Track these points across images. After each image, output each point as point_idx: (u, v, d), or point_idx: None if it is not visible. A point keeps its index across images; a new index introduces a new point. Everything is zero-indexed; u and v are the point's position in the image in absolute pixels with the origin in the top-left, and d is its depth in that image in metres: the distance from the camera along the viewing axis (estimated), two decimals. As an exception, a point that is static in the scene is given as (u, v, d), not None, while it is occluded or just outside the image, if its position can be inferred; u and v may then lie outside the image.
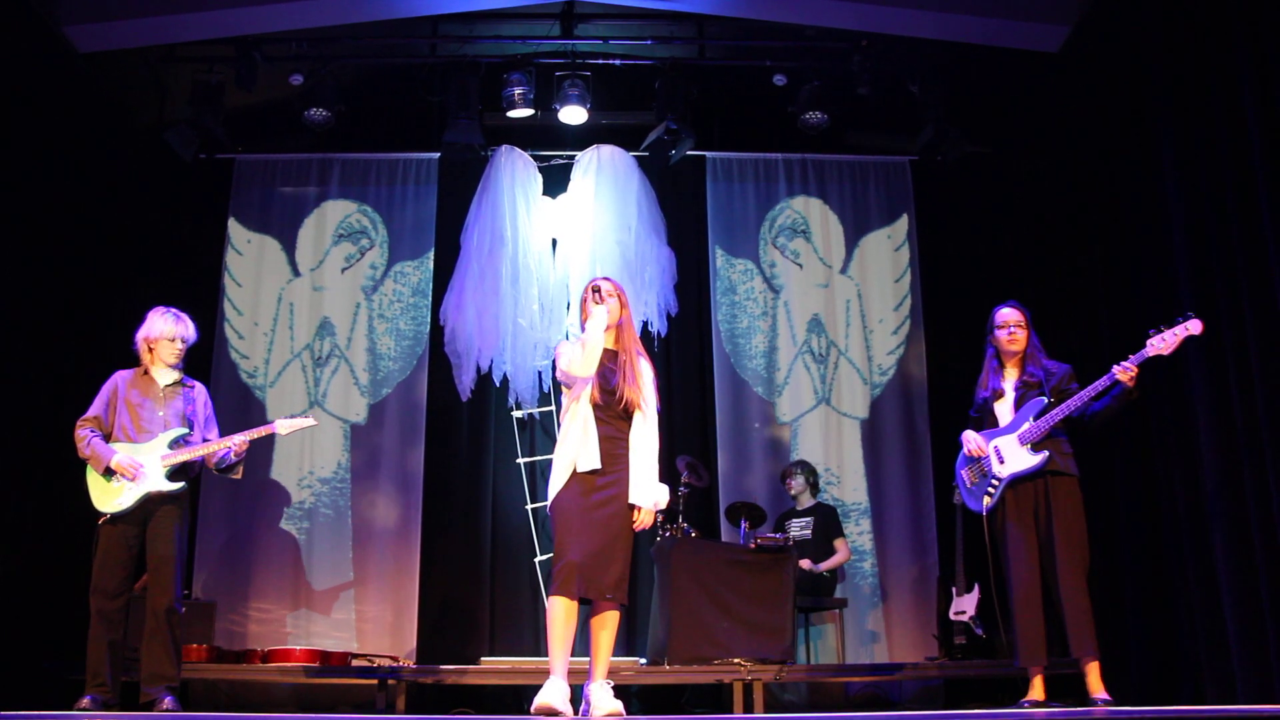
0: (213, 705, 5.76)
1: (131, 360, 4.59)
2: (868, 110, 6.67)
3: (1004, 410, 4.33)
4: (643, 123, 6.60)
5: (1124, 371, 4.00)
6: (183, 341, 4.50)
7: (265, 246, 6.90)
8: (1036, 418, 4.19)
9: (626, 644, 6.18)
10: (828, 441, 6.70)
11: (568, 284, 6.69)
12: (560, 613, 3.60)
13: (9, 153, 5.26)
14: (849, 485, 6.65)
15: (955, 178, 6.75)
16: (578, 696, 3.71)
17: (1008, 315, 4.38)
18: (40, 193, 5.55)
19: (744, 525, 5.94)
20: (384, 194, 7.01)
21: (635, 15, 6.25)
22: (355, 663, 5.59)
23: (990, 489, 4.27)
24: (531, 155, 6.91)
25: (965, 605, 5.60)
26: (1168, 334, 4.00)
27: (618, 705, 3.62)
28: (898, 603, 6.45)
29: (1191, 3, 4.82)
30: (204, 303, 6.24)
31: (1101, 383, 4.06)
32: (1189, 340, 4.04)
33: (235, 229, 6.90)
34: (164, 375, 4.49)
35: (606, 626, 3.71)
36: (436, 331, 6.71)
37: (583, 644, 3.82)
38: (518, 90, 6.34)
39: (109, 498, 4.29)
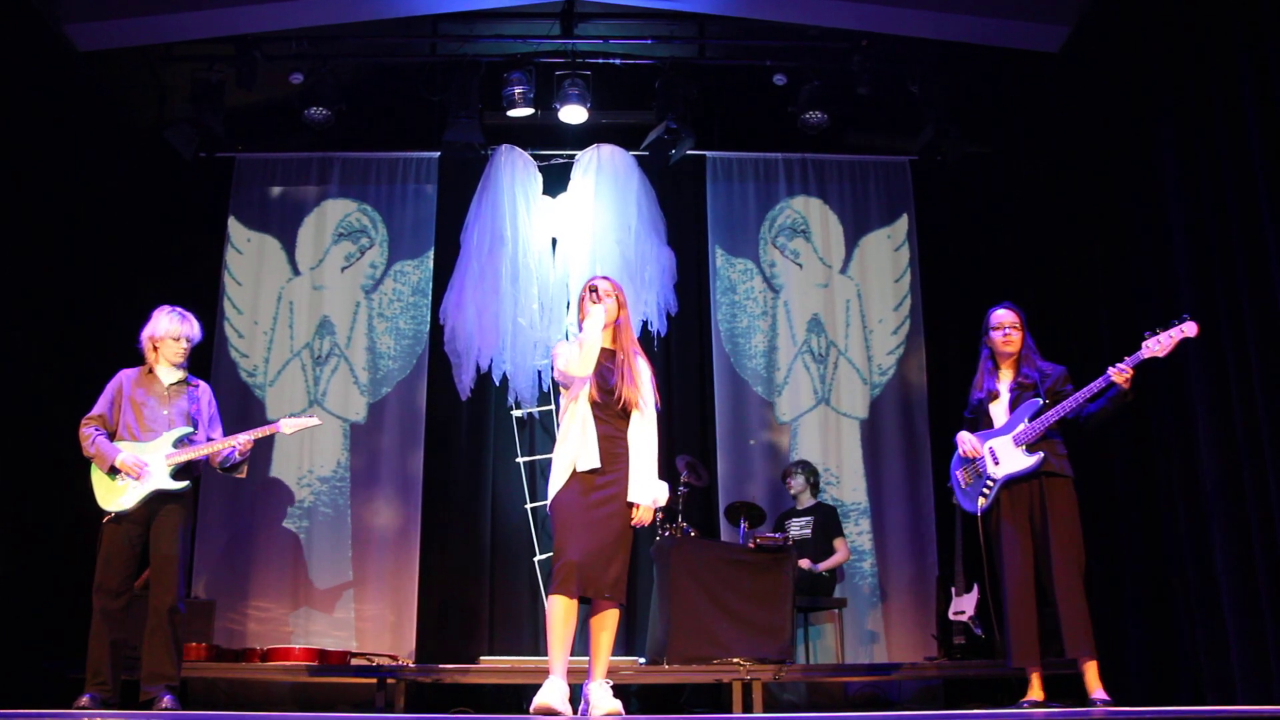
0: (212, 704, 5.76)
1: (131, 359, 4.59)
2: (868, 110, 6.67)
3: (999, 411, 4.34)
4: (643, 122, 6.60)
5: (1119, 373, 4.01)
6: (187, 340, 4.50)
7: (265, 245, 6.90)
8: (1032, 419, 4.19)
9: (626, 643, 6.18)
10: (827, 441, 6.70)
11: (567, 283, 6.69)
12: (560, 612, 3.60)
13: (9, 151, 5.25)
14: (848, 485, 6.65)
15: (955, 178, 6.76)
16: (577, 696, 3.71)
17: (1003, 316, 4.39)
18: (40, 191, 5.55)
19: (743, 525, 5.95)
20: (384, 193, 7.01)
21: (635, 15, 6.25)
22: (354, 662, 5.59)
23: (985, 490, 4.28)
24: (531, 154, 6.91)
25: (964, 605, 5.60)
26: (1163, 336, 4.01)
27: (617, 705, 3.62)
28: (897, 603, 6.45)
29: (1191, 3, 4.82)
30: (204, 301, 6.23)
31: (1096, 384, 4.06)
32: (1188, 341, 4.05)
33: (235, 228, 6.90)
34: (168, 374, 4.49)
35: (606, 626, 3.72)
36: (436, 330, 6.71)
37: (582, 643, 3.81)
38: (518, 89, 6.34)
39: (113, 496, 4.29)
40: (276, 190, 7.00)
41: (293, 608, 6.30)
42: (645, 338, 6.64)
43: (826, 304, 6.93)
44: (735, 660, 5.03)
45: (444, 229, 6.88)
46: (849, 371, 6.83)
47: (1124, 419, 4.70)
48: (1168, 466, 4.97)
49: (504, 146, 6.86)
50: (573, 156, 6.94)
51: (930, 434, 6.63)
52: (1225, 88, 4.53)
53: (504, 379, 6.63)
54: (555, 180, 6.95)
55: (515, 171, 6.83)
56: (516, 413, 6.66)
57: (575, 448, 3.72)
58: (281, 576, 6.35)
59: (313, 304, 6.81)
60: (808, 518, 6.16)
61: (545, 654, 3.73)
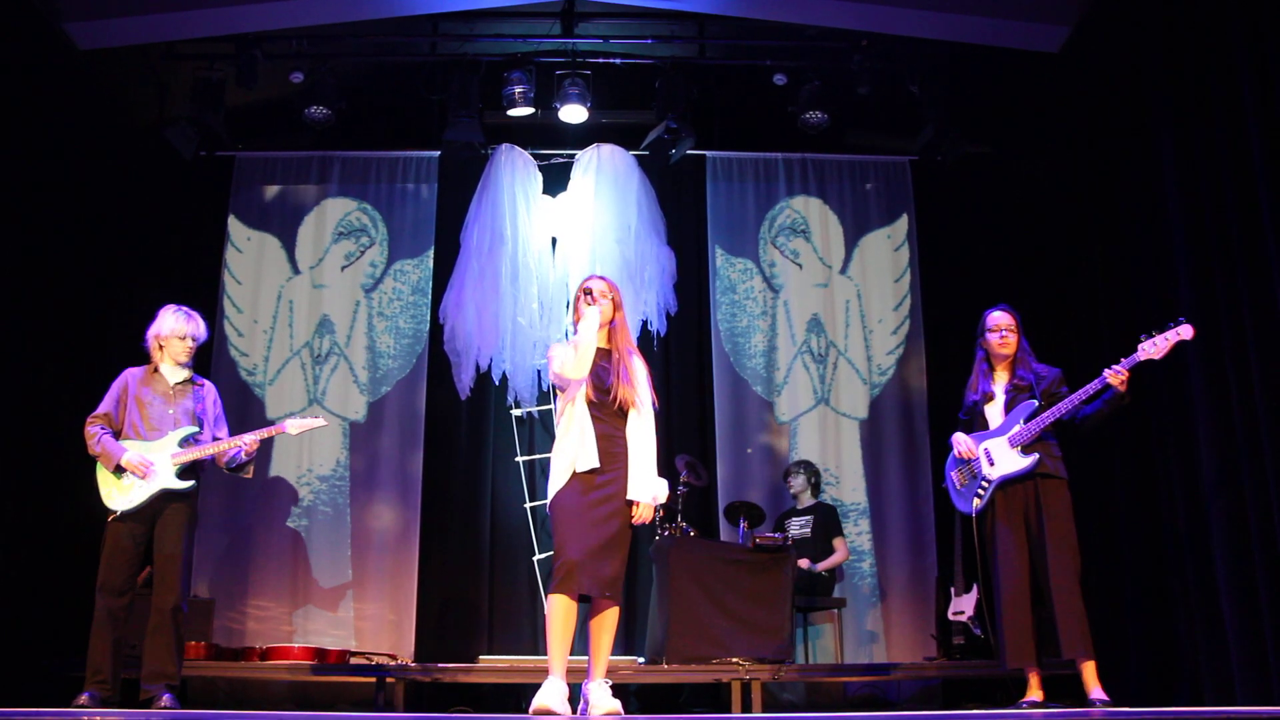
0: (211, 703, 5.76)
1: (130, 357, 4.59)
2: (868, 110, 6.67)
3: (994, 413, 4.34)
4: (643, 122, 6.60)
5: (1114, 375, 4.01)
6: (193, 340, 4.50)
7: (265, 244, 6.90)
8: (1027, 420, 4.20)
9: (625, 643, 6.17)
10: (826, 442, 6.70)
11: (567, 283, 6.68)
12: (560, 611, 3.60)
13: (9, 150, 5.25)
14: (848, 485, 6.65)
15: (955, 178, 6.75)
16: (576, 695, 3.71)
17: (999, 319, 4.39)
18: (40, 190, 5.54)
19: (743, 525, 5.95)
20: (384, 192, 7.01)
21: (636, 14, 6.25)
22: (354, 661, 5.59)
23: (980, 491, 4.28)
24: (531, 154, 6.91)
25: (963, 605, 5.60)
26: (1159, 339, 4.01)
27: (616, 704, 3.62)
28: (896, 603, 6.45)
29: (1191, 3, 4.82)
30: (204, 300, 6.23)
31: (1092, 386, 4.07)
32: (1187, 342, 4.05)
33: (235, 226, 6.90)
34: (174, 373, 4.50)
35: (605, 625, 3.72)
36: (436, 330, 6.71)
37: (581, 643, 3.81)
38: (518, 89, 6.34)
39: (119, 495, 4.29)
40: (276, 189, 7.00)
41: (292, 607, 6.30)
42: (645, 337, 6.65)
43: (826, 304, 6.93)
44: (734, 660, 5.03)
45: (444, 228, 6.88)
46: (849, 372, 6.83)
47: (1121, 421, 4.70)
48: (1167, 466, 4.97)
49: (504, 146, 6.86)
50: (573, 156, 6.94)
51: (930, 434, 6.63)
52: (1225, 88, 4.53)
53: (503, 378, 6.64)
54: (555, 180, 6.95)
55: (515, 171, 6.83)
56: (516, 412, 6.66)
57: (574, 448, 3.72)
58: (281, 575, 6.35)
59: (312, 303, 6.81)
60: (807, 517, 6.16)
61: (544, 653, 3.73)
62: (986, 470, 4.27)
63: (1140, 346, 4.02)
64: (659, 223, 6.84)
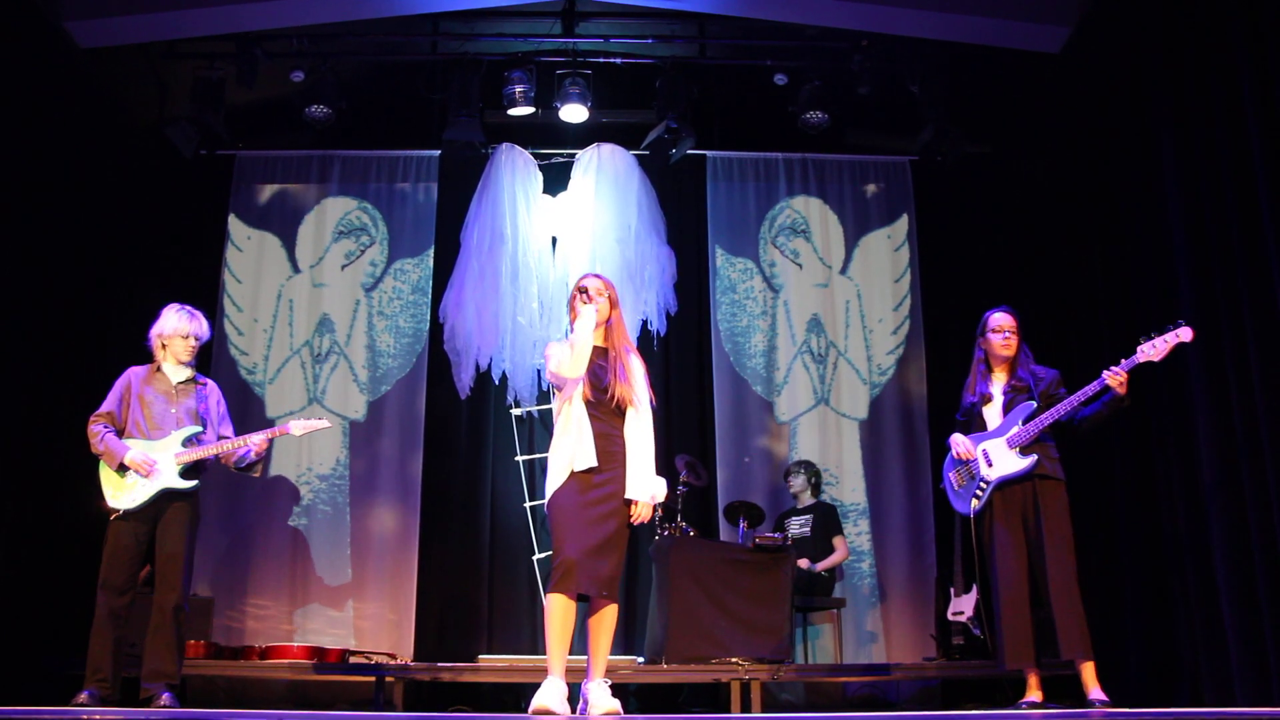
0: (210, 702, 5.76)
1: (131, 355, 4.58)
2: (868, 110, 6.67)
3: (992, 414, 4.34)
4: (643, 121, 6.60)
5: (1113, 376, 4.01)
6: (196, 339, 4.50)
7: (265, 243, 6.90)
8: (1025, 422, 4.20)
9: (624, 643, 6.17)
10: (826, 442, 6.70)
11: (567, 282, 6.68)
12: (559, 610, 3.59)
13: (8, 148, 5.25)
14: (847, 486, 6.65)
15: (955, 178, 6.75)
16: (576, 695, 3.71)
17: (1001, 320, 4.38)
18: (40, 189, 5.54)
19: (742, 524, 5.95)
20: (384, 191, 7.01)
21: (636, 14, 6.25)
22: (353, 660, 5.59)
23: (978, 492, 4.28)
24: (532, 153, 6.91)
25: (963, 606, 5.59)
26: (1158, 341, 4.01)
27: (615, 704, 3.61)
28: (896, 603, 6.45)
29: (1191, 3, 4.82)
30: (204, 299, 6.21)
31: (1091, 388, 4.06)
32: (1186, 344, 4.04)
33: (235, 225, 6.90)
34: (176, 372, 4.50)
35: (604, 624, 3.71)
36: (436, 329, 6.71)
37: (580, 642, 3.81)
38: (519, 88, 6.34)
39: (122, 493, 4.29)
40: (277, 188, 7.00)
41: (292, 606, 6.30)
42: (645, 337, 6.65)
43: (826, 304, 6.93)
44: (734, 660, 5.03)
45: (444, 227, 6.88)
46: (848, 372, 6.83)
47: (1120, 422, 4.69)
48: (1167, 466, 4.97)
49: (504, 145, 6.86)
50: (573, 155, 6.94)
51: (930, 435, 6.63)
52: (1225, 88, 4.53)
53: (503, 377, 6.64)
54: (555, 179, 6.95)
55: (515, 170, 6.83)
56: (516, 411, 6.66)
57: (571, 447, 3.72)
58: (280, 574, 6.35)
59: (312, 302, 6.81)
60: (807, 516, 6.16)
61: (544, 653, 3.73)
62: (985, 471, 4.27)
63: (1139, 348, 4.02)
64: (659, 222, 6.84)
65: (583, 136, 6.88)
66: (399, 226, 6.96)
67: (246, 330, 6.76)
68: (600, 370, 3.80)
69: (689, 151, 6.65)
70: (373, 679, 5.26)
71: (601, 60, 6.56)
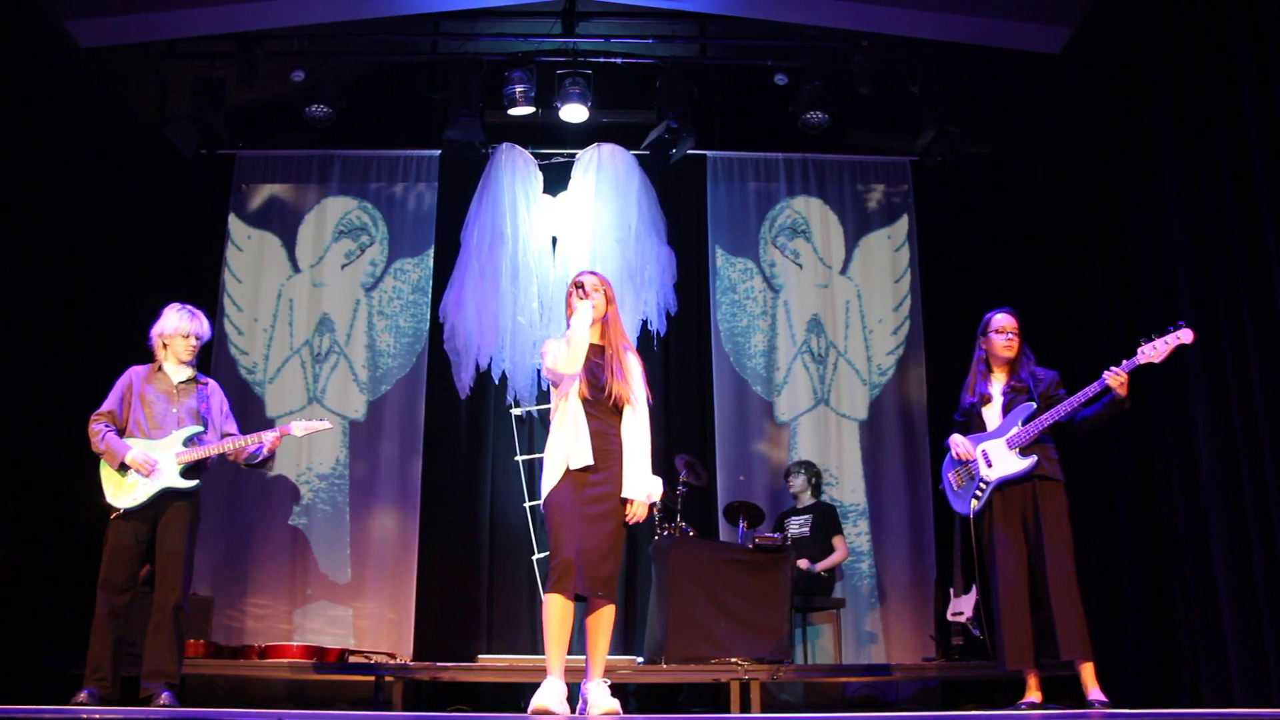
0: (209, 701, 5.76)
1: (131, 355, 4.58)
2: (868, 110, 6.67)
3: (991, 415, 4.33)
4: (644, 121, 6.60)
5: (1114, 376, 4.00)
6: (196, 338, 4.50)
7: (265, 242, 6.90)
8: (1025, 423, 4.19)
9: (624, 643, 6.18)
10: (826, 442, 6.70)
11: (567, 282, 6.67)
12: (556, 611, 3.59)
13: (8, 147, 5.25)
14: (847, 486, 6.65)
15: (956, 178, 6.75)
16: (575, 695, 3.71)
17: (1004, 321, 4.38)
18: (40, 188, 5.54)
19: (742, 524, 5.95)
20: (384, 191, 7.02)
21: (637, 14, 6.25)
22: (352, 659, 5.59)
23: (978, 492, 4.27)
24: (532, 153, 6.92)
25: (963, 606, 5.59)
26: (1159, 342, 4.00)
27: (615, 704, 3.61)
28: (896, 604, 6.45)
29: (1191, 3, 4.82)
30: (204, 298, 6.20)
31: (1091, 389, 4.06)
32: (1186, 345, 4.04)
33: (235, 225, 6.90)
34: (177, 372, 4.50)
35: (602, 624, 3.70)
36: (436, 329, 6.72)
37: (579, 642, 3.81)
38: (519, 88, 6.34)
39: (122, 493, 4.28)
40: (277, 187, 7.01)
41: (291, 605, 6.30)
42: (645, 337, 6.65)
43: (826, 304, 6.93)
44: (733, 660, 5.03)
45: (444, 227, 6.88)
46: (848, 372, 6.83)
47: (1120, 422, 4.69)
48: (1166, 467, 4.96)
49: (504, 145, 6.86)
50: (573, 155, 6.95)
51: (929, 435, 6.63)
52: (1225, 88, 4.53)
53: (503, 377, 6.64)
54: (556, 179, 6.95)
55: (516, 170, 6.83)
56: (515, 411, 6.66)
57: (567, 445, 3.71)
58: (280, 574, 6.35)
59: (312, 301, 6.82)
60: (806, 516, 6.15)
61: (543, 653, 3.72)
62: (985, 472, 4.26)
63: (1140, 350, 4.01)
64: (659, 222, 6.84)
65: (583, 136, 6.88)
66: (399, 226, 6.96)
67: (246, 330, 6.77)
68: (597, 368, 3.79)
69: (689, 151, 6.65)
70: (372, 679, 5.26)
71: (602, 60, 6.56)
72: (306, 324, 6.77)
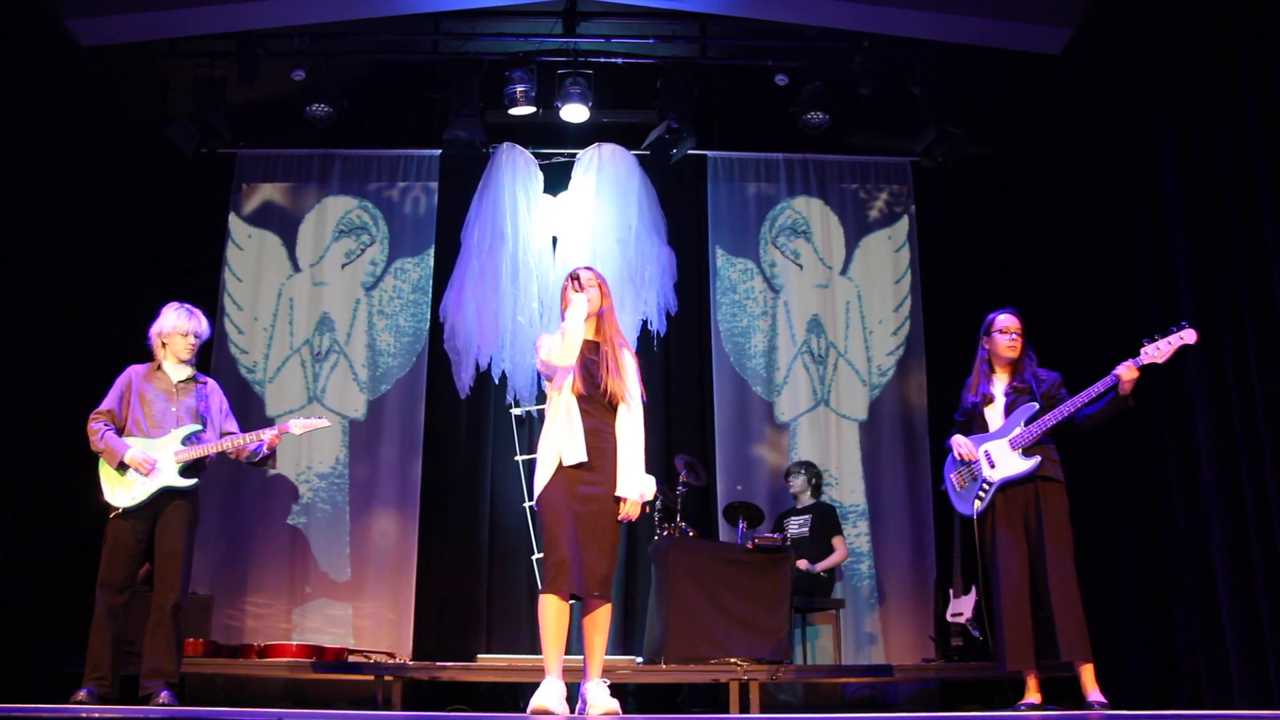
0: (209, 700, 5.76)
1: (131, 354, 4.58)
2: (869, 111, 6.67)
3: (994, 415, 4.33)
4: (644, 121, 6.59)
5: (1127, 370, 3.99)
6: (196, 337, 4.50)
7: (265, 242, 6.90)
8: (1028, 423, 4.19)
9: (623, 643, 6.18)
10: (826, 443, 6.70)
11: (567, 282, 6.68)
12: (552, 611, 3.58)
13: (9, 146, 5.26)
14: (847, 487, 6.64)
15: (956, 179, 6.75)
16: (574, 695, 3.70)
17: (1008, 321, 4.37)
18: (40, 187, 5.55)
19: (742, 525, 5.94)
20: (385, 190, 7.02)
21: (637, 14, 6.25)
22: (352, 659, 5.58)
23: (981, 493, 4.27)
24: (533, 153, 6.91)
25: (962, 607, 5.59)
26: (1162, 343, 4.00)
27: (614, 704, 3.60)
28: (895, 604, 6.44)
29: (1192, 4, 4.82)
30: (204, 297, 6.21)
31: (1097, 387, 4.06)
32: (1188, 345, 4.04)
33: (236, 224, 6.90)
34: (177, 371, 4.49)
35: (599, 623, 3.69)
36: (436, 328, 6.71)
37: (577, 642, 3.81)
38: (519, 88, 6.34)
39: (121, 492, 4.28)
40: (277, 187, 7.00)
41: (291, 604, 6.30)
42: (645, 337, 6.65)
43: (826, 304, 6.93)
44: (732, 660, 5.02)
45: (444, 227, 6.88)
46: (848, 373, 6.83)
47: (1120, 423, 4.69)
48: (1167, 467, 4.96)
49: (505, 145, 6.86)
50: (574, 155, 6.94)
51: (930, 436, 6.62)
52: (1225, 89, 4.53)
53: (503, 377, 6.64)
54: (556, 179, 6.95)
55: (516, 170, 6.83)
56: (515, 411, 6.66)
57: (561, 441, 3.69)
58: (279, 573, 6.35)
59: (313, 301, 6.81)
60: (806, 516, 6.15)
61: (542, 653, 3.72)
62: (987, 473, 4.26)
63: (1143, 350, 4.01)
64: (660, 222, 6.84)
65: (583, 136, 6.88)
66: (399, 226, 6.96)
67: (246, 329, 6.76)
68: (592, 364, 3.77)
69: (690, 152, 6.65)
70: (371, 678, 5.25)
71: (602, 60, 6.56)
72: (306, 323, 6.77)
